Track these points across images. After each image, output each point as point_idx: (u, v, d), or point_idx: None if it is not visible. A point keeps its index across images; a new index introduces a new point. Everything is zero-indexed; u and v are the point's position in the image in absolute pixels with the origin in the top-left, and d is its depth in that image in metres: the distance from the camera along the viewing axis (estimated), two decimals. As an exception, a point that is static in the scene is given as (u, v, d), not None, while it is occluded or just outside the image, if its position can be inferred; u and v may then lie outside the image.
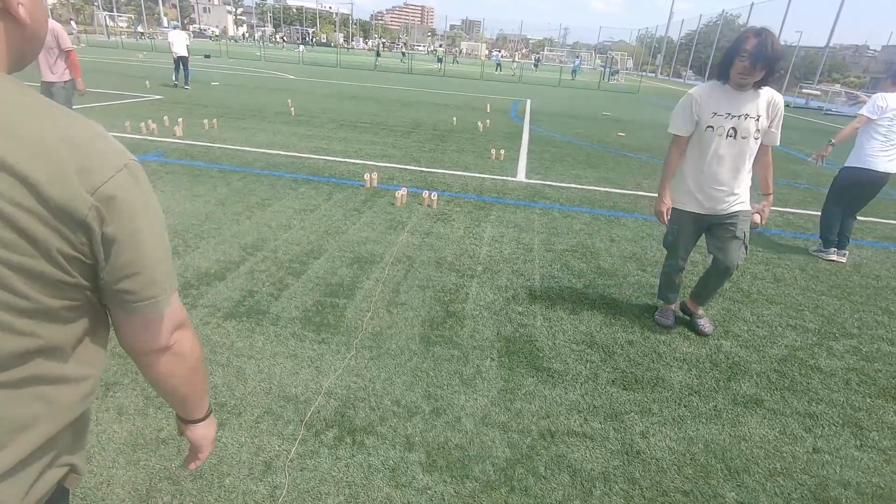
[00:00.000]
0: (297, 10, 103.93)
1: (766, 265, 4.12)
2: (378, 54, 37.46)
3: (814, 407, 2.40)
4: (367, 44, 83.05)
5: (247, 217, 4.27)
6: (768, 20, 39.23)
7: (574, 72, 36.63)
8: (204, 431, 0.93)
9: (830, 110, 22.76)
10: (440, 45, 56.13)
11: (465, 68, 38.67)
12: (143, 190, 0.66)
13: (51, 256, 0.59)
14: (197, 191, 4.85)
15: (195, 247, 3.61)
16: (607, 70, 37.82)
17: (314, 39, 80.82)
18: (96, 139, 0.62)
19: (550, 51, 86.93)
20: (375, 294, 3.14)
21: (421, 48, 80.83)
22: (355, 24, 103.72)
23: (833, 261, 4.31)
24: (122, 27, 51.89)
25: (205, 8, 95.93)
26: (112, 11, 62.75)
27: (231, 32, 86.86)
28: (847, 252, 4.35)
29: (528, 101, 16.42)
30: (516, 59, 48.75)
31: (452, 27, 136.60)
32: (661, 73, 54.84)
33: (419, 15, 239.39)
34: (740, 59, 2.33)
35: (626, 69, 48.27)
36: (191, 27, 71.02)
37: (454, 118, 10.80)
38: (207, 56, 27.67)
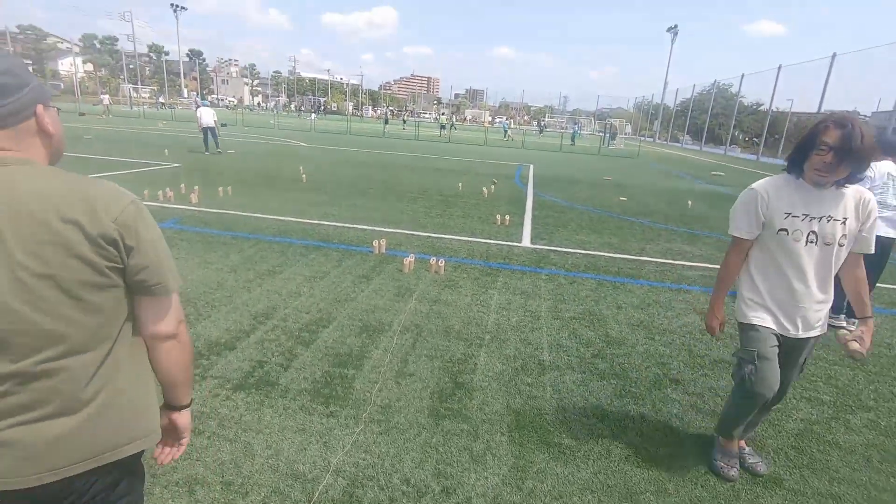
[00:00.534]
0: (309, 80, 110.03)
1: (776, 333, 4.10)
2: (386, 122, 39.24)
3: (836, 487, 2.32)
4: (375, 112, 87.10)
5: (258, 284, 4.35)
6: (758, 89, 41.03)
7: (573, 137, 37.94)
8: (188, 417, 1.24)
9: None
10: (442, 113, 58.73)
11: (469, 134, 40.25)
12: (144, 216, 1.03)
13: (98, 269, 0.96)
14: (210, 258, 4.97)
15: (206, 315, 3.67)
16: (607, 135, 39.21)
17: (325, 108, 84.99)
18: (110, 189, 1.01)
19: (551, 117, 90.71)
20: (384, 364, 3.14)
21: (427, 116, 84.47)
22: (365, 94, 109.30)
23: (843, 328, 4.29)
24: (144, 98, 54.95)
25: (223, 80, 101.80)
26: (137, 84, 66.70)
27: (247, 102, 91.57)
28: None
29: (532, 167, 16.95)
30: (511, 124, 50.86)
31: (457, 96, 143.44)
32: (658, 139, 56.73)
33: (425, 84, 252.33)
34: (819, 152, 1.90)
35: (626, 134, 50.03)
36: (209, 97, 75.12)
37: (460, 184, 11.14)
38: (224, 125, 29.01)
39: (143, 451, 1.11)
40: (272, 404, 2.65)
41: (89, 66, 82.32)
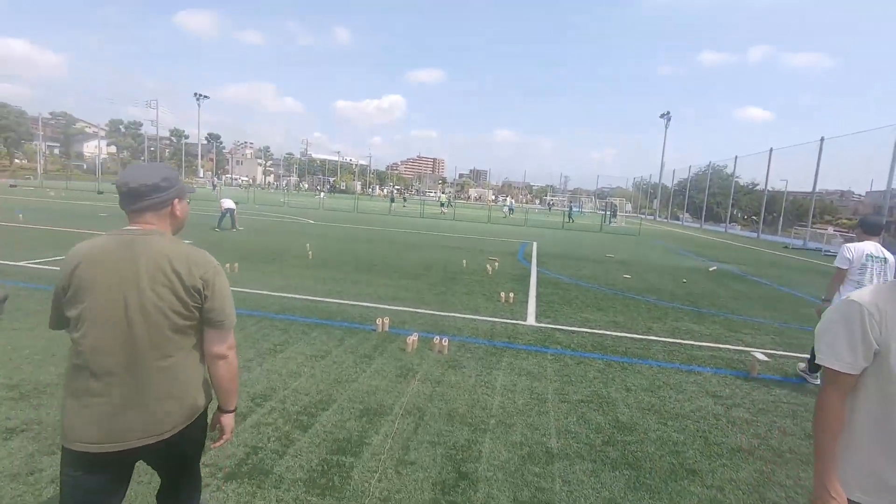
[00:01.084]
0: (320, 161, 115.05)
1: (794, 418, 3.92)
2: (392, 200, 40.47)
3: None
4: (382, 191, 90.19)
5: (258, 364, 4.27)
6: (753, 170, 42.43)
7: (570, 216, 37.96)
8: (231, 420, 1.80)
9: (829, 251, 23.40)
10: (442, 192, 60.61)
11: (473, 212, 41.27)
12: (220, 276, 1.60)
13: (187, 306, 1.52)
14: (212, 336, 4.92)
15: (203, 396, 3.56)
16: (608, 213, 39.99)
17: (334, 187, 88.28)
18: (202, 255, 1.59)
19: (553, 196, 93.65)
20: (384, 451, 3.00)
21: (432, 195, 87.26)
22: (373, 174, 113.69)
23: (817, 385, 4.57)
24: (162, 177, 57.29)
25: (238, 161, 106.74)
26: (156, 164, 69.81)
27: (259, 180, 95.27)
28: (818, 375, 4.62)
29: (535, 244, 17.19)
30: (507, 202, 52.33)
31: (461, 175, 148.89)
32: (659, 216, 57.90)
33: (430, 165, 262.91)
34: None
35: (626, 212, 51.15)
36: (224, 177, 78.24)
37: (464, 260, 11.25)
38: (236, 202, 29.98)
39: (205, 415, 1.75)
40: (265, 496, 2.50)
41: (112, 149, 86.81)
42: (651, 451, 3.24)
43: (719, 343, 6.00)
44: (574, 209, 44.11)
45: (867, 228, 4.58)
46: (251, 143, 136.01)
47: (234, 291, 1.71)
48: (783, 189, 37.21)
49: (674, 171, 56.28)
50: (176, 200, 1.62)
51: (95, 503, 1.54)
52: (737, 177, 43.61)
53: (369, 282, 8.27)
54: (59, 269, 1.53)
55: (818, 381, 4.68)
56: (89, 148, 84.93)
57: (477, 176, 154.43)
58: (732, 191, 42.31)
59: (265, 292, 6.94)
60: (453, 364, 4.59)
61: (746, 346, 5.99)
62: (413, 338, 4.94)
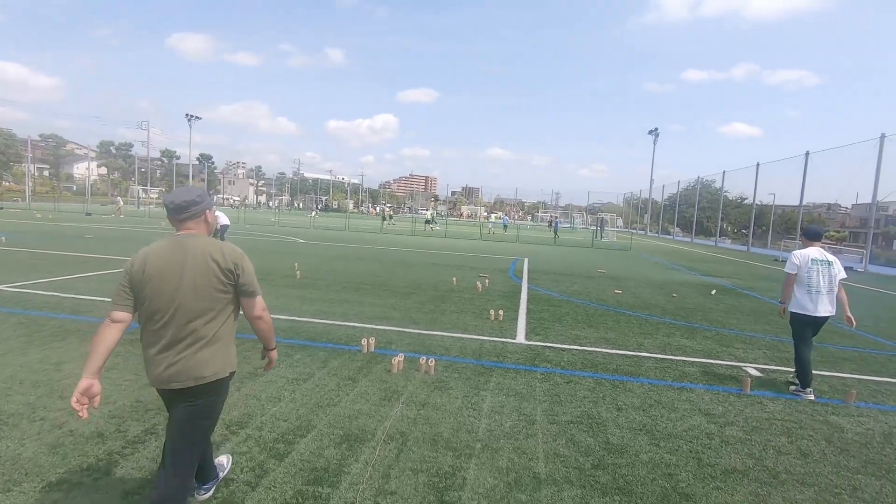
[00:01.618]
0: (312, 181, 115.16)
1: (789, 436, 3.82)
2: (384, 218, 40.31)
3: None
4: (374, 209, 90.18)
5: (236, 388, 4.11)
6: (741, 184, 42.98)
7: (555, 230, 37.32)
8: (275, 354, 2.55)
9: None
10: (427, 210, 60.47)
11: (465, 229, 41.26)
12: (246, 260, 2.24)
13: (225, 284, 2.16)
14: (190, 360, 4.75)
15: (176, 425, 3.40)
16: (599, 229, 40.11)
17: (326, 206, 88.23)
18: (232, 247, 2.23)
19: (545, 211, 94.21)
20: (363, 481, 2.85)
21: (424, 212, 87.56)
22: (365, 192, 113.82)
23: (811, 400, 4.60)
24: (153, 198, 56.92)
25: (230, 181, 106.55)
26: (147, 185, 69.59)
27: (250, 200, 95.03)
28: (812, 389, 4.74)
29: (526, 260, 17.13)
30: (496, 217, 52.46)
31: (454, 193, 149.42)
32: (650, 231, 58.25)
33: (423, 183, 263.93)
34: None
35: (617, 227, 51.37)
36: (215, 196, 77.96)
37: (454, 278, 11.14)
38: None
39: (231, 375, 2.27)
40: (233, 533, 2.34)
41: (103, 170, 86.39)
42: (643, 475, 3.12)
43: (711, 358, 5.91)
44: (559, 224, 44.00)
45: (810, 235, 5.04)
46: (243, 163, 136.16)
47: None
48: (771, 203, 37.66)
49: (663, 186, 56.86)
50: (207, 211, 2.24)
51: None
52: (725, 191, 44.14)
53: (357, 301, 8.13)
54: (129, 261, 2.10)
55: (812, 396, 4.67)
56: (80, 169, 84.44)
57: (469, 193, 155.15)
58: (721, 205, 42.75)
59: (249, 313, 6.77)
60: (439, 385, 4.46)
61: (739, 360, 5.90)
62: (399, 358, 4.81)
